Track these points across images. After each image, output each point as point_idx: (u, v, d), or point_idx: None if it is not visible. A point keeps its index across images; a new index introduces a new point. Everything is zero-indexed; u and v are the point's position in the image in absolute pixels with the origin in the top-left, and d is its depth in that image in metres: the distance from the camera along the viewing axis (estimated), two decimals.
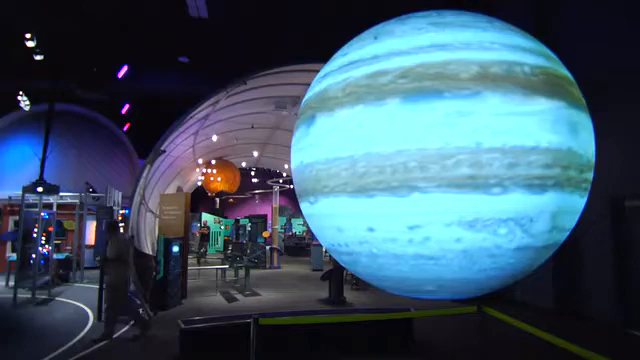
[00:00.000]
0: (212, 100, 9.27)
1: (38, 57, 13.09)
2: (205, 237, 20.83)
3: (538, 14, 9.22)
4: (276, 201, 18.75)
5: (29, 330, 7.67)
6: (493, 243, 2.07)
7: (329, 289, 10.23)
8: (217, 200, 24.20)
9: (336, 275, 10.13)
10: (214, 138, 12.23)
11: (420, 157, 1.96)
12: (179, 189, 14.82)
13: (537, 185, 2.00)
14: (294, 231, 28.60)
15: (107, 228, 8.11)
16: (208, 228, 21.97)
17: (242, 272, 12.68)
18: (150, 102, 20.68)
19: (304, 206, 2.67)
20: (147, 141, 19.43)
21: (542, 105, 2.03)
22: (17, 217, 13.14)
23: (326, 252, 18.52)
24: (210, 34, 16.36)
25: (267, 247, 17.33)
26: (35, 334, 7.39)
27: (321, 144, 2.31)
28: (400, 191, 2.01)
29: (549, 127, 2.02)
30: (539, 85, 2.07)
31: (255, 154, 15.36)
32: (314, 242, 17.10)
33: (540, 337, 3.85)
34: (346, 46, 2.55)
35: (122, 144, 21.93)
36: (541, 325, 4.03)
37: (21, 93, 16.37)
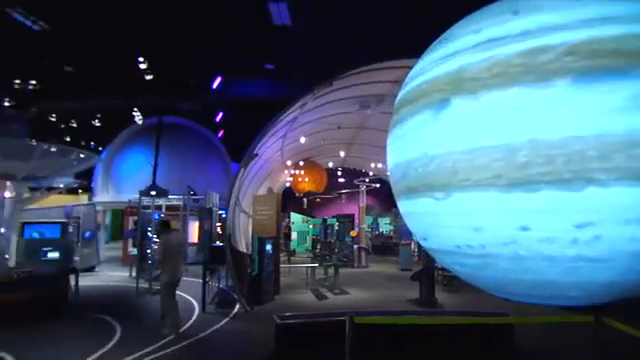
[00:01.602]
0: (300, 103, 9.57)
1: (148, 77, 14.77)
2: (287, 237, 21.61)
3: None
4: (363, 200, 18.74)
5: (149, 316, 8.64)
6: None
7: (420, 289, 9.95)
8: (305, 200, 24.94)
9: (427, 275, 9.82)
10: (302, 140, 12.60)
11: (600, 145, 1.67)
12: (270, 190, 15.56)
13: None
14: (381, 230, 28.33)
15: (159, 227, 8.31)
16: (289, 228, 22.75)
17: (331, 270, 12.89)
18: (240, 109, 22.03)
19: (422, 203, 2.33)
20: (238, 145, 20.82)
21: None
22: (136, 217, 14.90)
23: (415, 252, 18.06)
24: (294, 40, 16.96)
25: (355, 246, 17.42)
26: (154, 320, 8.30)
27: (460, 131, 2.01)
28: (573, 184, 1.73)
29: None
30: None
31: (342, 154, 15.50)
32: (402, 241, 16.76)
33: None
34: (471, 22, 2.23)
35: (217, 149, 23.78)
36: None
37: (135, 109, 18.58)
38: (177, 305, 7.47)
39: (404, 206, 2.55)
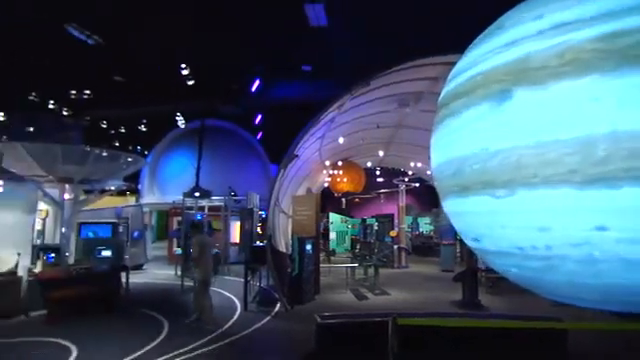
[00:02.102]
0: (338, 103, 9.59)
1: (190, 82, 15.36)
2: (325, 237, 21.62)
3: None
4: (402, 200, 18.49)
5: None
6: None
7: (462, 291, 9.70)
8: (343, 200, 24.94)
9: (470, 277, 9.55)
10: (340, 140, 12.60)
11: None
12: (308, 190, 15.69)
13: None
14: (421, 230, 27.84)
15: (190, 228, 8.74)
16: (327, 228, 22.78)
17: (371, 271, 12.82)
18: (278, 111, 22.37)
19: (477, 201, 2.19)
20: (277, 147, 21.17)
21: None
22: (180, 218, 15.49)
23: (458, 253, 17.59)
24: (330, 41, 17.01)
25: (394, 246, 17.22)
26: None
27: (526, 124, 1.87)
28: None
29: None
30: None
31: (380, 153, 15.36)
32: (443, 242, 16.39)
33: None
34: (529, 9, 2.11)
35: (256, 151, 24.30)
36: None
37: (178, 114, 19.33)
38: (211, 301, 7.87)
39: (453, 205, 2.39)
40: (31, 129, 19.88)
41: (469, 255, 9.99)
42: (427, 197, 27.57)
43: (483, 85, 2.08)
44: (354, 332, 5.91)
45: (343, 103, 9.86)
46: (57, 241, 10.16)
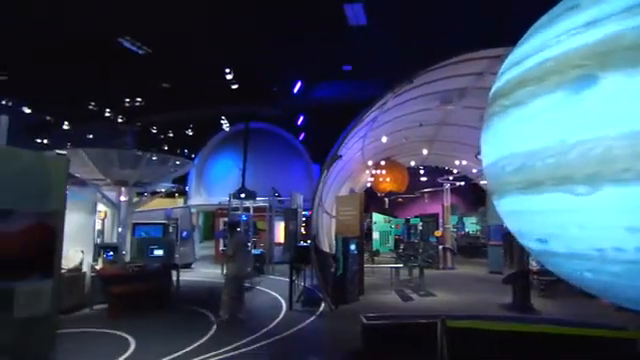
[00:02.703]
0: (380, 102, 9.53)
1: (234, 86, 15.83)
2: (368, 237, 21.45)
3: None
4: (447, 199, 18.05)
5: (243, 311, 9.19)
6: None
7: (513, 294, 9.30)
8: (386, 200, 24.68)
9: (521, 279, 9.14)
10: (384, 139, 12.50)
11: None
12: (351, 190, 15.67)
13: None
14: (467, 230, 27.02)
15: (227, 228, 9.24)
16: (370, 228, 22.59)
17: (415, 271, 12.60)
18: (320, 111, 22.51)
19: (549, 198, 1.99)
20: (319, 147, 21.30)
21: None
22: (226, 218, 15.97)
23: (506, 253, 16.90)
24: (370, 40, 16.90)
25: (439, 247, 16.83)
26: (248, 314, 8.81)
27: (614, 113, 1.69)
28: None
29: None
30: None
31: (424, 152, 15.09)
32: (491, 242, 15.80)
33: None
34: None
35: (299, 152, 24.57)
36: None
37: (223, 117, 19.97)
38: (241, 299, 8.21)
39: (514, 203, 2.22)
40: (90, 136, 21.33)
41: (520, 256, 9.57)
42: (473, 196, 26.73)
43: (557, 71, 1.88)
44: (401, 333, 5.83)
45: (386, 102, 9.78)
46: (115, 240, 10.83)
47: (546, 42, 2.00)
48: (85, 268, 9.17)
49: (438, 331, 4.28)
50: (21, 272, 2.98)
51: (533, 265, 10.39)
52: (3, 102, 17.05)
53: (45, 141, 19.12)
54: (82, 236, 9.12)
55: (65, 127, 20.44)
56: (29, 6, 12.09)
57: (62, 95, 18.79)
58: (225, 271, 8.40)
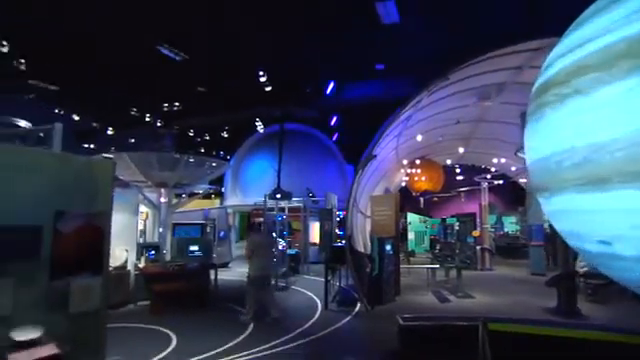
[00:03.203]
0: (414, 101, 9.40)
1: (268, 88, 16.10)
2: (404, 237, 21.12)
3: None
4: (485, 198, 17.54)
5: (279, 310, 9.33)
6: None
7: (558, 297, 8.90)
8: (421, 200, 24.27)
9: (566, 281, 8.73)
10: (419, 138, 12.31)
11: None
12: (386, 190, 15.53)
13: None
14: (506, 230, 26.13)
15: (248, 228, 9.31)
16: (405, 228, 22.24)
17: (452, 272, 12.33)
18: (353, 111, 22.45)
19: (618, 196, 1.82)
20: (352, 147, 21.23)
21: None
22: (261, 219, 16.23)
23: (548, 254, 16.22)
24: (403, 37, 16.67)
25: (477, 247, 16.37)
26: (284, 313, 8.90)
27: None
28: None
29: None
30: None
31: (460, 150, 14.73)
32: (533, 243, 15.21)
33: None
34: None
35: (333, 152, 24.63)
36: None
37: (257, 119, 20.31)
38: (267, 298, 8.28)
39: (569, 202, 2.04)
40: (132, 140, 22.32)
41: (565, 258, 9.14)
42: (512, 195, 25.80)
43: (628, 55, 1.69)
44: (439, 334, 5.72)
45: (420, 100, 9.63)
46: (156, 240, 11.26)
47: (612, 24, 1.82)
48: (129, 266, 9.60)
49: (479, 334, 4.14)
50: (75, 270, 3.15)
51: (580, 267, 9.92)
52: (55, 111, 18.11)
53: (92, 146, 20.17)
54: (126, 236, 9.54)
55: (109, 132, 21.48)
56: (81, 24, 12.80)
57: (107, 102, 19.80)
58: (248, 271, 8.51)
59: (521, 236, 22.64)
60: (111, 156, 8.58)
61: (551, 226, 12.05)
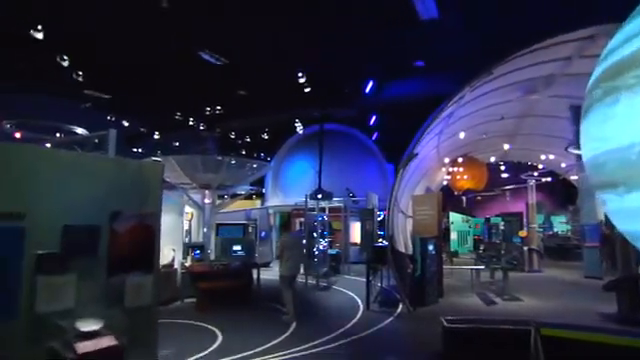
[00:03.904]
0: (456, 97, 9.16)
1: (307, 89, 16.25)
2: (446, 237, 20.54)
3: None
4: (532, 197, 16.80)
5: (321, 309, 9.42)
6: None
7: (618, 303, 8.28)
8: (464, 199, 23.58)
9: (629, 285, 8.11)
10: (461, 135, 11.99)
11: None
12: (427, 189, 15.23)
13: None
14: (555, 230, 24.87)
15: (280, 228, 9.41)
16: (447, 228, 21.63)
17: (498, 274, 11.89)
18: (393, 110, 22.18)
19: None
20: (392, 146, 20.95)
21: None
22: (301, 219, 16.40)
23: (604, 255, 15.26)
24: (443, 33, 16.26)
25: (524, 248, 15.71)
26: (325, 313, 9.02)
27: None
28: None
29: None
30: None
31: (505, 147, 14.18)
32: (587, 243, 14.36)
33: None
34: None
35: (372, 152, 24.45)
36: None
37: (296, 120, 20.54)
38: (295, 296, 8.37)
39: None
40: (176, 144, 23.23)
41: (626, 260, 8.52)
42: (561, 193, 24.50)
43: None
44: (485, 338, 5.51)
45: (462, 96, 9.38)
46: (200, 240, 11.66)
47: None
48: (176, 265, 10.00)
49: (532, 339, 3.93)
50: (129, 268, 3.34)
51: None
52: (107, 117, 19.23)
53: (139, 150, 21.21)
54: (173, 235, 9.95)
55: (155, 136, 22.47)
56: (130, 37, 13.53)
57: (153, 108, 20.76)
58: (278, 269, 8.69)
59: (573, 236, 21.52)
60: (160, 159, 9.01)
61: (609, 226, 11.32)
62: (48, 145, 5.94)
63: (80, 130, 12.47)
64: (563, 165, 15.36)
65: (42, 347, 2.64)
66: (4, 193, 2.73)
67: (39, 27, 11.45)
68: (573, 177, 16.87)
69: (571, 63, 8.93)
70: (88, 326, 2.60)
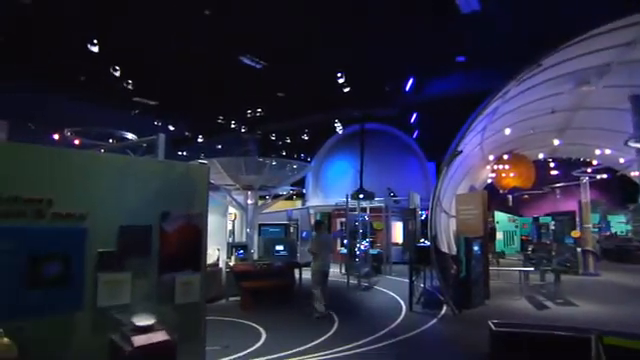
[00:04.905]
0: (501, 92, 8.81)
1: (346, 89, 16.28)
2: (491, 237, 19.76)
3: None
4: (586, 195, 15.84)
5: (363, 310, 9.38)
6: None
7: None
8: (509, 197, 22.63)
9: None
10: (507, 131, 11.52)
11: None
12: (471, 187, 14.76)
13: None
14: (613, 231, 23.31)
15: (314, 226, 9.85)
16: (493, 228, 20.81)
17: (549, 276, 11.31)
18: (434, 107, 21.70)
19: None
20: (433, 144, 20.49)
21: None
22: (342, 219, 16.41)
23: None
24: (485, 26, 15.70)
25: (578, 249, 14.84)
26: (367, 313, 8.97)
27: None
28: None
29: None
30: None
31: (555, 142, 13.44)
32: None
33: None
34: None
35: (413, 150, 24.05)
36: None
37: (336, 120, 20.58)
38: (325, 293, 8.56)
39: None
40: (219, 146, 23.96)
41: None
42: (619, 191, 22.91)
43: None
44: (538, 345, 5.25)
45: (507, 90, 9.00)
46: (244, 240, 11.95)
47: None
48: (221, 264, 10.31)
49: (592, 348, 3.67)
50: (179, 266, 3.49)
51: None
52: (155, 123, 20.19)
53: (184, 153, 22.04)
54: (217, 235, 10.25)
55: (199, 140, 23.28)
56: (174, 43, 14.15)
57: (197, 113, 21.54)
58: (311, 267, 8.83)
59: (634, 237, 20.08)
60: (205, 162, 9.33)
61: None
62: (102, 150, 6.33)
63: (130, 135, 13.18)
64: (621, 160, 14.33)
65: (104, 338, 2.85)
66: (68, 196, 2.95)
67: (94, 41, 12.20)
68: (633, 173, 15.72)
69: (632, 49, 8.29)
70: (143, 321, 2.75)
